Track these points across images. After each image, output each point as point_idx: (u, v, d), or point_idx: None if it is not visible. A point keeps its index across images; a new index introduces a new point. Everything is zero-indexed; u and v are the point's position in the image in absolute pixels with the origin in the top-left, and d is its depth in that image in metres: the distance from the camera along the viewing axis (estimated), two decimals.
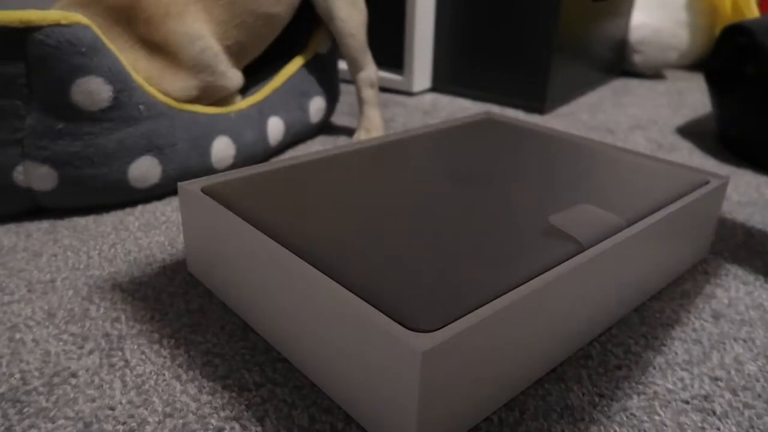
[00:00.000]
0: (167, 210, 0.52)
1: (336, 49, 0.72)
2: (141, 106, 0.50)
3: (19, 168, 0.47)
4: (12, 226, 0.49)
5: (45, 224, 0.49)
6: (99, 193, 0.50)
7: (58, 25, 0.44)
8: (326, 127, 0.77)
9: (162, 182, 0.53)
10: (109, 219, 0.50)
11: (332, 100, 0.73)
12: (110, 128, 0.49)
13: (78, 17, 0.46)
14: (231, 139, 0.58)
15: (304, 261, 0.31)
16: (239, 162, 0.60)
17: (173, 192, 0.56)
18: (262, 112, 0.62)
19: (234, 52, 0.60)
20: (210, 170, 0.57)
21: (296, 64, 0.67)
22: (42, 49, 0.44)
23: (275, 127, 0.64)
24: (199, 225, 0.39)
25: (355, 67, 0.70)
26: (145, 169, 0.52)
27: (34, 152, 0.47)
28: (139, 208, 0.53)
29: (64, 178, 0.48)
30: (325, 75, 0.71)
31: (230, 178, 0.42)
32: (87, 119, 0.48)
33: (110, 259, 0.44)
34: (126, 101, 0.49)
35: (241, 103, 0.61)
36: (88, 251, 0.45)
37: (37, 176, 0.48)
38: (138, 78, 0.50)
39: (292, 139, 0.68)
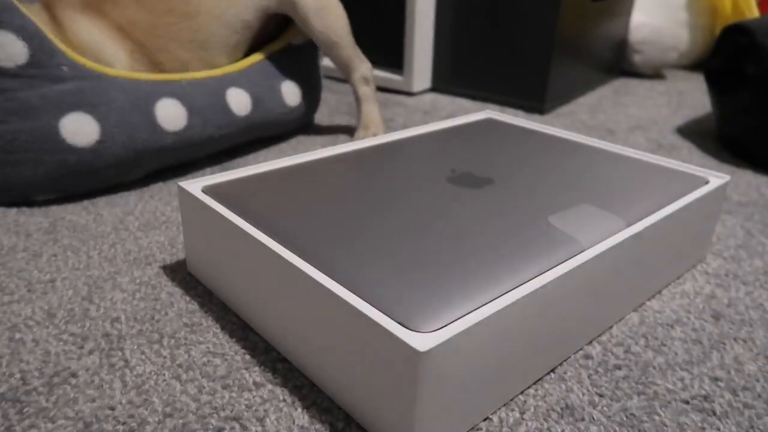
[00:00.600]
0: (167, 210, 0.52)
1: (312, 42, 0.72)
2: (64, 67, 0.50)
3: None
4: (12, 226, 0.49)
5: (45, 224, 0.49)
6: (39, 154, 0.50)
7: None
8: (325, 127, 0.77)
9: (103, 138, 0.52)
10: (109, 219, 0.50)
11: (312, 89, 0.72)
12: (32, 84, 0.49)
13: None
14: (180, 101, 0.57)
15: (305, 261, 0.31)
16: (197, 124, 0.58)
17: (125, 156, 0.53)
18: (221, 82, 0.61)
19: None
20: (159, 130, 0.55)
21: (266, 51, 0.67)
22: None
23: (238, 97, 0.62)
24: (199, 225, 0.39)
25: (347, 70, 0.70)
26: (78, 125, 0.51)
27: None
28: (139, 207, 0.53)
29: None
30: (300, 64, 0.71)
31: (230, 178, 0.42)
32: (5, 75, 0.48)
33: (110, 259, 0.44)
34: (45, 60, 0.49)
35: (195, 74, 0.60)
36: (88, 251, 0.45)
37: None
38: (59, 43, 0.50)
39: (268, 117, 0.66)
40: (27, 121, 0.49)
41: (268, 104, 0.66)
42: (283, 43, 0.69)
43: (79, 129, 0.51)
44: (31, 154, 0.50)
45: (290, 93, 0.69)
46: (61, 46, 0.50)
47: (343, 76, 0.70)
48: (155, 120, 0.55)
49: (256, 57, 0.66)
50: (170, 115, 0.56)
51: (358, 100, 0.71)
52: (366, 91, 0.70)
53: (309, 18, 0.65)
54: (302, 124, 0.74)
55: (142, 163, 0.56)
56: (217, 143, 0.62)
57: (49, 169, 0.51)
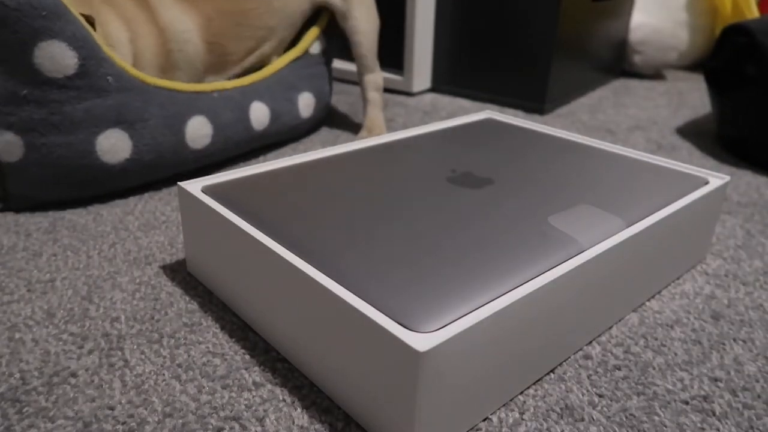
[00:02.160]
0: (167, 210, 0.52)
1: (329, 51, 0.73)
2: (109, 78, 0.49)
3: None
4: (12, 226, 0.49)
5: (45, 224, 0.49)
6: (67, 166, 0.49)
7: None
8: (326, 127, 0.77)
9: (133, 157, 0.52)
10: (109, 219, 0.50)
11: (323, 98, 0.73)
12: (77, 97, 0.48)
13: None
14: (208, 118, 0.57)
15: (304, 261, 0.31)
16: (218, 142, 0.58)
17: (145, 172, 0.54)
18: (245, 95, 0.62)
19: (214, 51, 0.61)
20: (184, 148, 0.56)
21: (285, 59, 0.67)
22: (2, 10, 0.44)
23: (259, 112, 0.63)
24: (198, 225, 0.39)
25: (363, 66, 0.72)
26: (114, 142, 0.50)
27: (0, 118, 0.46)
28: (139, 207, 0.53)
29: (30, 147, 0.47)
30: (316, 73, 0.71)
31: (230, 178, 0.42)
32: (52, 85, 0.47)
33: (110, 259, 0.44)
34: (93, 70, 0.48)
35: (225, 83, 0.60)
36: (88, 251, 0.45)
37: (3, 143, 0.47)
38: (107, 49, 0.49)
39: (282, 129, 0.67)
40: (66, 135, 0.48)
41: (284, 118, 0.67)
42: (301, 51, 0.69)
43: (113, 147, 0.51)
44: (62, 168, 0.49)
45: (306, 105, 0.69)
46: (109, 52, 0.49)
47: (357, 73, 0.72)
48: (183, 139, 0.55)
49: (278, 64, 0.67)
50: (197, 133, 0.56)
51: (365, 101, 0.73)
52: (375, 96, 0.73)
53: (354, 4, 0.68)
54: (310, 132, 0.75)
55: (157, 175, 0.56)
56: (228, 155, 0.62)
57: (74, 181, 0.51)
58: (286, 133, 0.68)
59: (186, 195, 0.39)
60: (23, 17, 0.44)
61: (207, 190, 0.40)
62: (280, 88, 0.66)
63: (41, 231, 0.48)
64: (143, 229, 0.49)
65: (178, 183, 0.40)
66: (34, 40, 0.45)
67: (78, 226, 0.49)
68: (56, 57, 0.46)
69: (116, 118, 0.50)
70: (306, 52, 0.69)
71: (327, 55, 0.73)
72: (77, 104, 0.48)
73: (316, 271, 0.30)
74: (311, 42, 0.70)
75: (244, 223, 0.35)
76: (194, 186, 0.40)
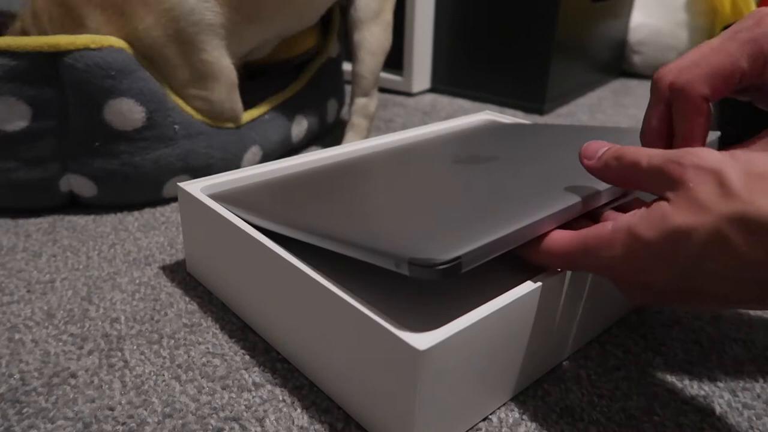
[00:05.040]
0: (167, 210, 0.52)
1: (342, 54, 0.72)
2: (176, 126, 0.51)
3: (63, 180, 0.50)
4: (11, 227, 0.49)
5: (44, 224, 0.49)
6: (136, 199, 0.53)
7: (86, 48, 0.45)
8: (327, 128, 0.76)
9: None
10: (109, 219, 0.50)
11: (342, 103, 0.74)
12: (145, 147, 0.50)
13: (110, 40, 0.46)
14: (261, 146, 0.59)
15: (304, 261, 0.31)
16: (262, 161, 0.60)
17: None
18: (291, 110, 0.63)
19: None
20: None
21: (315, 66, 0.67)
22: (72, 73, 0.46)
23: (299, 127, 0.64)
24: (198, 225, 0.39)
25: (359, 88, 0.64)
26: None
27: (75, 167, 0.49)
28: (139, 208, 0.52)
29: (104, 189, 0.51)
30: (337, 77, 0.72)
31: (230, 178, 0.42)
32: (122, 138, 0.49)
33: (110, 260, 0.44)
34: (160, 121, 0.50)
35: (273, 101, 0.61)
36: (88, 252, 0.45)
37: (78, 185, 0.50)
38: (174, 97, 0.51)
39: (310, 138, 0.68)
40: (137, 183, 0.51)
41: (313, 127, 0.67)
42: (325, 57, 0.69)
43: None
44: (132, 199, 0.52)
45: (332, 111, 0.70)
46: (176, 100, 0.51)
47: (351, 92, 0.66)
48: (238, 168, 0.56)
49: (310, 72, 0.66)
50: (249, 162, 0.58)
51: (349, 125, 0.65)
52: (361, 123, 0.65)
53: (369, 22, 0.63)
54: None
55: None
56: None
57: (134, 201, 0.53)
58: (311, 141, 0.69)
59: (186, 195, 0.39)
60: (92, 78, 0.46)
61: (207, 191, 0.40)
62: (314, 97, 0.67)
63: (41, 232, 0.48)
64: (143, 230, 0.49)
65: (178, 183, 0.40)
66: (103, 99, 0.47)
67: (78, 227, 0.49)
68: (125, 113, 0.48)
69: (183, 167, 0.52)
70: (329, 58, 0.69)
71: (341, 57, 0.72)
72: (146, 155, 0.50)
73: (316, 272, 0.30)
74: (332, 46, 0.69)
75: (244, 223, 0.35)
76: (194, 186, 0.40)
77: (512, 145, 0.45)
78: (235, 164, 0.56)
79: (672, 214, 0.24)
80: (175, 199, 0.54)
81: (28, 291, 0.40)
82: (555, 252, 0.28)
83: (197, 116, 0.52)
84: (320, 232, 0.30)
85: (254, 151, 0.58)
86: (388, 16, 0.65)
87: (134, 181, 0.50)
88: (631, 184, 0.28)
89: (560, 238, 0.28)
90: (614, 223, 0.26)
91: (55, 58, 0.45)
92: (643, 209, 0.26)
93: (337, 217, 0.32)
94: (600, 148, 0.29)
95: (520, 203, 0.31)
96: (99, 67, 0.46)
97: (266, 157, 0.60)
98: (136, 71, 0.48)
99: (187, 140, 0.52)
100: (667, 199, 0.25)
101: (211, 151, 0.53)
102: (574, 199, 0.31)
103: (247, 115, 0.57)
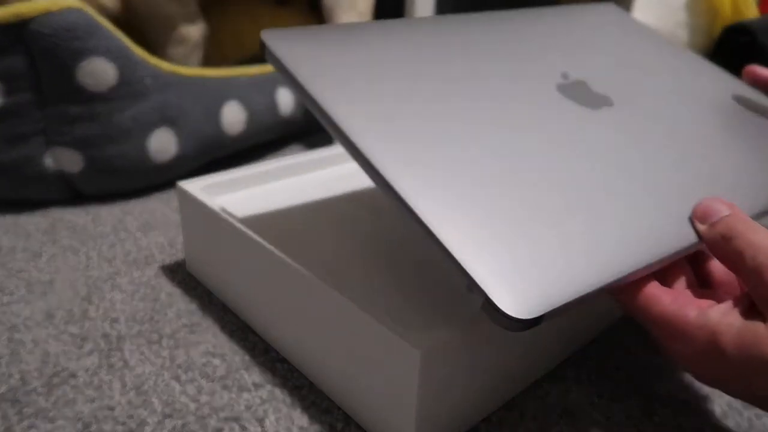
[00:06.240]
0: (167, 210, 0.52)
1: None
2: (147, 79, 0.51)
3: (48, 154, 0.49)
4: (11, 227, 0.49)
5: (44, 224, 0.49)
6: (125, 171, 0.52)
7: (49, 12, 0.45)
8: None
9: (180, 152, 0.54)
10: (108, 219, 0.50)
11: None
12: (122, 106, 0.49)
13: (68, 1, 0.46)
14: (241, 104, 0.58)
15: (304, 261, 0.31)
16: (251, 128, 0.59)
17: (189, 164, 0.56)
18: (274, 81, 0.62)
19: None
20: (222, 136, 0.57)
21: None
22: (39, 39, 0.45)
23: (285, 98, 0.63)
24: (198, 225, 0.39)
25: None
26: (162, 141, 0.52)
27: (58, 138, 0.49)
28: (139, 208, 0.52)
29: (89, 159, 0.50)
30: None
31: (229, 177, 0.42)
32: (98, 100, 0.48)
33: (109, 260, 0.44)
34: (131, 76, 0.49)
35: (252, 69, 0.61)
36: (87, 252, 0.45)
37: (64, 159, 0.49)
38: (140, 51, 0.51)
39: (301, 116, 0.67)
40: (120, 144, 0.50)
41: (304, 107, 0.67)
42: None
43: (162, 147, 0.53)
44: (120, 173, 0.52)
45: None
46: (142, 54, 0.51)
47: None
48: (221, 127, 0.57)
49: None
50: (233, 119, 0.57)
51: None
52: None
53: (339, 10, 0.66)
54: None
55: (200, 163, 0.58)
56: (260, 140, 0.63)
57: (129, 181, 0.53)
58: (308, 122, 0.68)
59: (185, 195, 0.39)
60: (60, 42, 0.46)
61: (206, 190, 0.40)
62: None
63: (41, 231, 0.48)
64: (143, 230, 0.49)
65: (178, 183, 0.40)
66: (74, 62, 0.47)
67: (77, 227, 0.49)
68: (97, 72, 0.48)
69: (160, 118, 0.52)
70: None
71: None
72: (123, 112, 0.50)
73: (316, 272, 0.30)
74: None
75: (244, 223, 0.35)
76: (194, 186, 0.40)
77: (635, 77, 0.35)
78: (214, 118, 0.56)
79: (766, 343, 0.22)
80: (164, 167, 0.53)
81: (28, 291, 0.40)
82: (634, 298, 0.25)
83: (164, 66, 0.52)
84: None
85: (234, 107, 0.57)
86: (362, 6, 0.67)
87: (117, 140, 0.50)
88: (735, 273, 0.25)
89: (655, 303, 0.25)
90: (700, 315, 0.24)
91: (20, 26, 0.45)
92: (737, 316, 0.23)
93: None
94: (715, 213, 0.26)
95: (633, 227, 0.26)
96: (64, 30, 0.46)
97: (252, 118, 0.59)
98: (99, 29, 0.47)
99: (159, 93, 0.51)
100: (764, 317, 0.23)
101: (184, 101, 0.53)
102: (688, 238, 0.26)
103: (219, 72, 0.57)
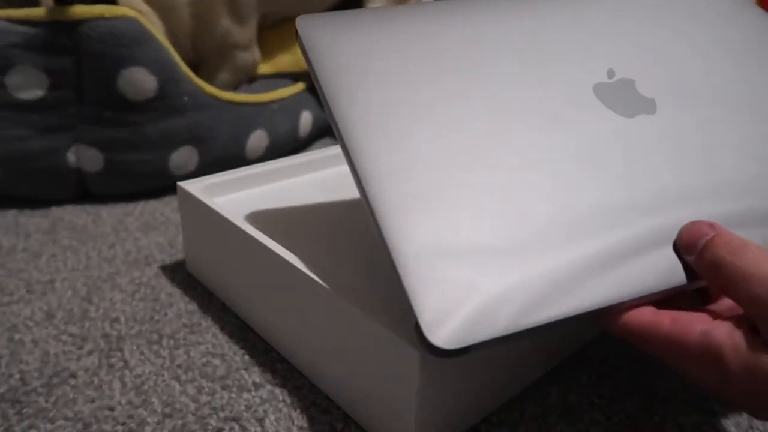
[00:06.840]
0: (166, 210, 0.52)
1: None
2: (186, 97, 0.51)
3: (72, 150, 0.50)
4: (11, 226, 0.49)
5: (44, 224, 0.49)
6: (140, 178, 0.53)
7: (101, 18, 0.46)
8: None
9: (198, 171, 0.55)
10: (108, 219, 0.50)
11: None
12: (155, 118, 0.50)
13: (123, 10, 0.47)
14: (267, 131, 0.59)
15: (303, 261, 0.31)
16: (270, 152, 0.61)
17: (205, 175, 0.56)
18: (299, 104, 0.64)
19: None
20: (243, 159, 0.58)
21: None
22: (88, 42, 0.46)
23: (306, 120, 0.65)
24: (198, 225, 0.39)
25: None
26: (185, 158, 0.53)
27: (85, 136, 0.50)
28: (139, 208, 0.52)
29: (110, 162, 0.51)
30: None
31: (230, 178, 0.42)
32: (133, 109, 0.49)
33: (109, 260, 0.44)
34: (171, 91, 0.50)
35: (283, 92, 0.62)
36: (87, 252, 0.45)
37: (86, 158, 0.50)
38: (185, 68, 0.52)
39: (316, 133, 0.69)
40: (144, 153, 0.51)
41: (318, 122, 0.68)
42: None
43: (183, 163, 0.54)
44: (135, 179, 0.53)
45: None
46: (187, 71, 0.52)
47: None
48: (244, 152, 0.58)
49: None
50: (256, 146, 0.59)
51: None
52: None
53: None
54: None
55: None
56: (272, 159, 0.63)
57: (139, 189, 0.54)
58: (315, 136, 0.69)
59: (186, 195, 0.39)
60: (106, 48, 0.47)
61: (206, 190, 0.40)
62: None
63: (41, 232, 0.48)
64: (143, 230, 0.49)
65: (178, 183, 0.40)
66: (117, 69, 0.48)
67: (77, 227, 0.49)
68: (138, 83, 0.49)
69: (189, 137, 0.53)
70: None
71: None
72: (155, 125, 0.51)
73: (316, 272, 0.30)
74: None
75: (244, 223, 0.35)
76: (194, 186, 0.40)
77: (708, 76, 0.29)
78: (240, 144, 0.57)
79: (765, 357, 0.21)
80: (178, 178, 0.54)
81: (28, 291, 0.40)
82: (630, 329, 0.24)
83: (206, 88, 0.53)
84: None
85: (260, 134, 0.58)
86: None
87: (141, 149, 0.51)
88: (728, 296, 0.24)
89: (654, 329, 0.24)
90: (703, 336, 0.23)
91: (71, 27, 0.46)
92: (741, 338, 0.22)
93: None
94: (700, 237, 0.24)
95: (613, 264, 0.24)
96: (113, 36, 0.47)
97: (273, 146, 0.60)
98: (148, 41, 0.48)
99: (195, 112, 0.52)
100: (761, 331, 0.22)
101: (216, 124, 0.54)
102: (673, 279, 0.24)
103: (254, 98, 0.58)
